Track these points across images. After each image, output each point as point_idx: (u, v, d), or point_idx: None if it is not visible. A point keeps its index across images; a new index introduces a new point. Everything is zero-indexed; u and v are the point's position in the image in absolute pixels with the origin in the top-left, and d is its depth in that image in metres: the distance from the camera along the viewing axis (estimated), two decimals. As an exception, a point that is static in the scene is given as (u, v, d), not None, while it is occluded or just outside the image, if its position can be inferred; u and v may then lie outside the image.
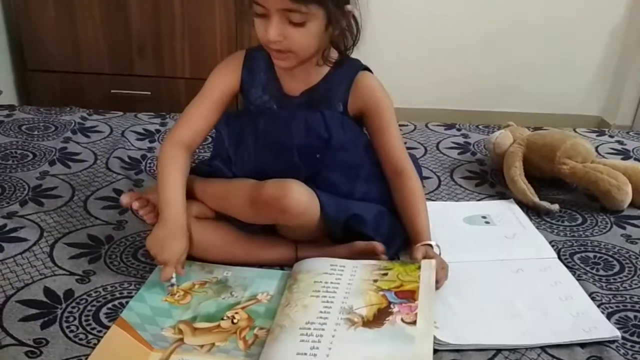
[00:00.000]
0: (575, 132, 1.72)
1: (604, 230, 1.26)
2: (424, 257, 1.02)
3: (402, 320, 0.88)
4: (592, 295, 1.03)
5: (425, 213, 1.11)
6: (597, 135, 1.74)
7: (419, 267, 0.99)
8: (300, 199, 1.00)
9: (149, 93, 2.33)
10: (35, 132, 1.58)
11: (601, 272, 1.11)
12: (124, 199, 1.09)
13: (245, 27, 2.18)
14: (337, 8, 1.01)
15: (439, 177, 1.46)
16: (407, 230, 1.10)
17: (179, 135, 1.12)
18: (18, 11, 2.25)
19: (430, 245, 1.05)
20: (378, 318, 0.89)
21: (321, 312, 0.90)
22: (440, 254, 1.06)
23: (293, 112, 1.10)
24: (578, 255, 1.16)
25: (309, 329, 0.87)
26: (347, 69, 1.12)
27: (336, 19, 1.02)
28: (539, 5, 2.61)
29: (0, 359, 0.84)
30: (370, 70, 1.15)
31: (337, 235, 1.08)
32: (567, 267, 1.11)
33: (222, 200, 1.07)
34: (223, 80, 1.14)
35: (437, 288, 0.99)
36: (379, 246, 1.05)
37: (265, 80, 1.13)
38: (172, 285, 1.00)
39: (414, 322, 0.87)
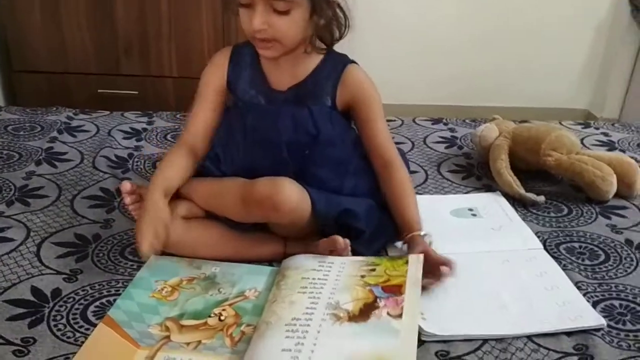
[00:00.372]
0: (561, 124, 1.73)
1: (590, 221, 1.27)
2: (423, 252, 1.02)
3: (388, 313, 0.88)
4: (577, 285, 1.04)
5: (415, 203, 1.12)
6: (582, 128, 1.76)
7: (407, 262, 1.00)
8: (291, 196, 1.00)
9: (136, 92, 2.33)
10: (21, 133, 1.57)
11: (587, 262, 1.12)
12: (127, 186, 1.08)
13: (232, 25, 2.18)
14: None
15: (426, 171, 1.47)
16: (397, 221, 1.11)
17: (182, 138, 1.15)
18: (3, 12, 2.23)
19: (421, 235, 1.06)
20: (364, 312, 0.89)
21: (307, 308, 0.90)
22: (431, 243, 1.06)
23: (280, 107, 1.10)
24: (564, 245, 1.17)
25: (295, 325, 0.87)
26: (335, 63, 1.12)
27: (320, 7, 1.02)
28: (526, 2, 2.63)
29: (-13, 359, 0.84)
30: (357, 65, 1.15)
31: (327, 231, 1.08)
32: (553, 257, 1.12)
33: (212, 200, 1.07)
34: (212, 79, 1.15)
35: (436, 284, 0.99)
36: (338, 239, 1.03)
37: (251, 76, 1.13)
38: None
39: (399, 316, 0.88)
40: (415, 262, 1.00)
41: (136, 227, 1.02)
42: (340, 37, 1.10)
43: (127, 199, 1.08)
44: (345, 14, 1.07)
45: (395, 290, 0.93)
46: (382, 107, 1.15)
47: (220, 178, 1.10)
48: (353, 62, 1.14)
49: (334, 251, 1.04)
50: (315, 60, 1.12)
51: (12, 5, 2.21)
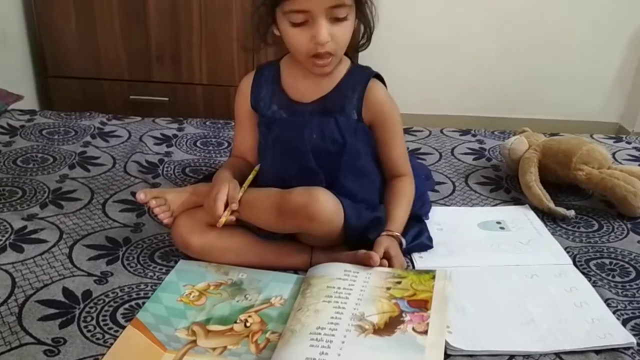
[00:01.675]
0: (592, 138, 1.71)
1: (620, 237, 1.24)
2: (385, 253, 1.03)
3: (414, 329, 0.88)
4: (607, 302, 1.02)
5: (406, 211, 1.13)
6: (614, 142, 1.73)
7: (434, 277, 0.99)
8: (327, 207, 1.01)
9: (167, 99, 2.37)
10: (56, 137, 1.62)
11: (617, 279, 1.10)
12: (140, 195, 1.10)
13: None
14: None
15: (453, 183, 1.46)
16: (387, 219, 1.11)
17: (233, 154, 1.25)
18: (40, 20, 2.30)
19: (395, 237, 1.08)
20: (389, 326, 0.89)
21: (332, 317, 0.91)
22: (403, 246, 1.08)
23: (305, 118, 1.11)
24: (594, 261, 1.15)
25: (319, 334, 0.87)
26: (359, 76, 1.12)
27: (363, 8, 1.05)
28: (556, 11, 2.60)
29: (20, 357, 0.86)
30: (381, 77, 1.15)
31: (352, 242, 1.09)
32: (583, 273, 1.11)
33: (246, 208, 1.07)
34: (240, 105, 1.19)
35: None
36: (374, 256, 1.03)
37: (271, 92, 1.15)
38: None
39: (425, 332, 0.88)
40: (443, 277, 0.99)
41: (205, 202, 1.06)
42: (368, 42, 1.12)
43: (152, 203, 1.10)
44: (372, 13, 1.09)
45: (421, 305, 0.93)
46: (401, 123, 1.16)
47: (254, 188, 1.11)
48: (377, 74, 1.15)
49: (366, 264, 1.04)
50: (340, 72, 1.12)
51: (48, 13, 2.27)
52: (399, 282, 0.99)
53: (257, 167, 1.16)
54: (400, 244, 1.09)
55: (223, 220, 1.04)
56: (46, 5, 2.26)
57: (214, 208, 1.03)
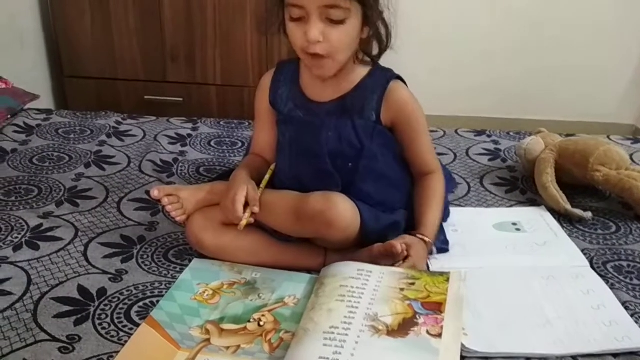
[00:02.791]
0: (609, 139, 1.69)
1: (639, 239, 1.23)
2: (404, 252, 1.02)
3: (428, 332, 0.87)
4: (625, 305, 1.01)
5: (437, 211, 1.11)
6: (632, 143, 1.71)
7: (448, 279, 0.99)
8: (345, 213, 1.01)
9: (181, 99, 2.38)
10: (72, 136, 1.63)
11: (635, 282, 1.08)
12: (155, 192, 1.10)
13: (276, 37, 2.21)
14: (375, 4, 1.01)
15: (468, 184, 1.45)
16: (415, 221, 1.10)
17: (251, 151, 1.23)
18: (56, 20, 2.32)
19: (425, 242, 1.06)
20: (403, 328, 0.88)
21: (345, 317, 0.90)
22: (432, 253, 1.07)
23: (323, 119, 1.10)
24: (611, 264, 1.14)
25: (333, 333, 0.87)
26: (380, 78, 1.11)
27: (372, 17, 1.01)
28: (570, 10, 2.58)
29: (35, 354, 0.87)
30: (402, 79, 1.13)
31: (367, 244, 1.08)
32: (600, 275, 1.09)
33: (264, 210, 1.06)
34: (260, 101, 1.18)
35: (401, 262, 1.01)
36: (397, 245, 1.02)
37: (289, 90, 1.14)
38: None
39: (439, 335, 0.87)
40: (457, 280, 0.98)
41: (222, 203, 1.06)
42: (386, 49, 1.08)
43: (165, 200, 1.10)
44: (388, 25, 1.06)
45: (435, 307, 0.92)
46: (425, 122, 1.14)
47: (272, 190, 1.10)
48: (398, 77, 1.13)
49: (386, 257, 1.03)
50: (360, 73, 1.10)
51: (64, 13, 2.29)
52: (413, 284, 0.98)
53: (272, 167, 1.16)
54: (430, 251, 1.07)
55: (244, 222, 1.03)
56: (62, 7, 2.28)
57: (232, 210, 1.03)
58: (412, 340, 0.86)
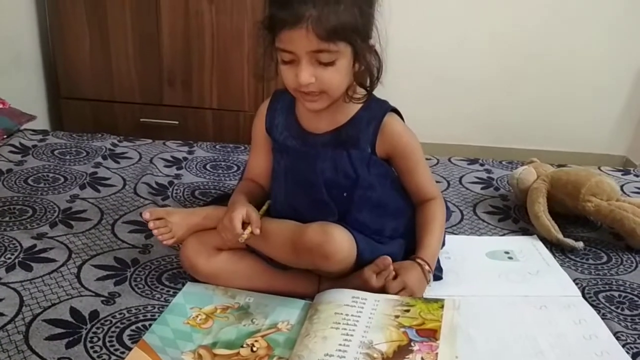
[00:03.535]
0: (600, 170, 1.71)
1: (630, 270, 1.24)
2: (397, 271, 1.03)
3: (422, 359, 0.87)
4: (616, 335, 1.02)
5: (438, 236, 1.12)
6: (622, 174, 1.73)
7: (442, 306, 0.99)
8: (343, 246, 1.01)
9: (177, 122, 2.39)
10: (67, 157, 1.63)
11: (626, 312, 1.09)
12: (146, 215, 1.11)
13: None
14: (363, 42, 1.01)
15: (461, 212, 1.46)
16: (416, 245, 1.11)
17: (245, 176, 1.23)
18: (54, 42, 2.34)
19: (422, 267, 1.06)
20: (398, 355, 0.88)
21: (340, 344, 0.90)
22: (429, 282, 1.07)
23: (318, 149, 1.11)
24: (603, 293, 1.15)
25: None
26: (375, 111, 1.11)
27: (363, 54, 1.01)
28: (565, 43, 2.63)
29: (25, 377, 0.86)
30: (398, 111, 1.14)
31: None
32: (592, 305, 1.10)
33: (261, 239, 1.06)
34: (257, 127, 1.19)
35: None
36: (387, 259, 1.03)
37: (286, 120, 1.15)
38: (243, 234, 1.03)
39: None
40: (451, 307, 0.99)
41: (219, 225, 1.06)
42: (378, 80, 1.08)
43: (151, 224, 1.11)
44: (380, 59, 1.05)
45: (430, 334, 0.92)
46: (421, 152, 1.15)
47: (269, 219, 1.10)
48: (393, 109, 1.13)
49: (379, 274, 1.04)
50: (355, 106, 1.10)
51: (63, 36, 2.31)
52: (408, 310, 0.98)
53: (268, 202, 1.16)
54: (428, 280, 1.07)
55: (245, 235, 1.03)
56: (61, 28, 2.30)
57: (231, 227, 1.03)
58: None
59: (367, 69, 1.04)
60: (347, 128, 1.10)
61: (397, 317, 0.96)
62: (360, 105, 1.10)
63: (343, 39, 0.97)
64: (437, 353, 0.88)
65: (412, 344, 0.90)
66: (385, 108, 1.12)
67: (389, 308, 0.99)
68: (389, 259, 1.04)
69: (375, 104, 1.11)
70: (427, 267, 1.07)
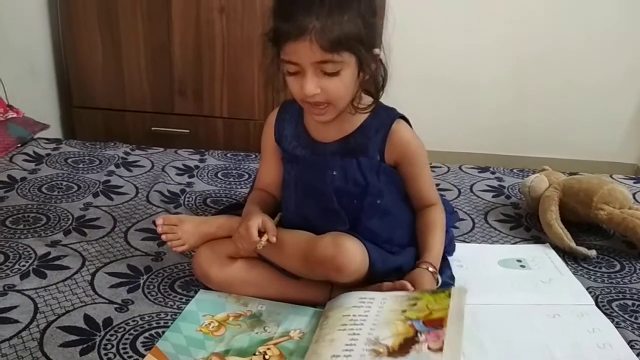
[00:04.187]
0: (612, 178, 1.70)
1: (643, 278, 1.23)
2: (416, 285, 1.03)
3: (429, 347, 0.86)
4: (631, 344, 1.01)
5: (440, 239, 1.13)
6: (634, 182, 1.72)
7: (449, 295, 0.98)
8: (355, 258, 1.01)
9: (188, 131, 2.40)
10: (81, 165, 1.65)
11: (640, 321, 1.09)
12: (159, 221, 1.13)
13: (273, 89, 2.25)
14: (367, 52, 1.01)
15: (472, 220, 1.46)
16: (419, 250, 1.12)
17: (257, 186, 1.24)
18: (67, 52, 2.36)
19: (431, 271, 1.07)
20: (403, 347, 0.87)
21: (347, 344, 0.90)
22: (438, 282, 1.07)
23: (327, 158, 1.11)
24: (616, 302, 1.14)
25: None
26: (383, 118, 1.11)
27: (367, 63, 1.01)
28: (576, 52, 2.62)
29: (40, 383, 0.87)
30: (406, 118, 1.14)
31: (375, 282, 1.08)
32: (605, 314, 1.09)
33: (274, 250, 1.06)
34: (266, 137, 1.20)
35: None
36: (408, 284, 1.03)
37: (294, 130, 1.15)
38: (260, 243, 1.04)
39: (440, 349, 0.86)
40: (458, 295, 0.97)
41: (235, 234, 1.07)
42: (383, 89, 1.08)
43: (159, 229, 1.13)
44: (385, 67, 1.06)
45: (436, 324, 0.91)
46: (426, 158, 1.16)
47: (281, 229, 1.10)
48: (401, 116, 1.13)
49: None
50: (363, 114, 1.10)
51: (75, 45, 2.34)
52: (415, 304, 0.97)
53: (280, 214, 1.17)
54: (437, 280, 1.08)
55: (262, 243, 1.04)
56: (74, 39, 2.33)
57: (247, 236, 1.04)
58: (413, 357, 0.85)
59: (372, 78, 1.05)
60: (356, 136, 1.11)
61: (404, 311, 0.95)
62: (367, 114, 1.10)
63: (347, 49, 0.97)
64: (443, 340, 0.87)
65: (418, 334, 0.89)
66: (393, 115, 1.12)
67: (396, 304, 0.98)
68: (410, 286, 1.03)
69: (383, 112, 1.12)
70: (434, 270, 1.08)
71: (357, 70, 1.01)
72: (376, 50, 1.03)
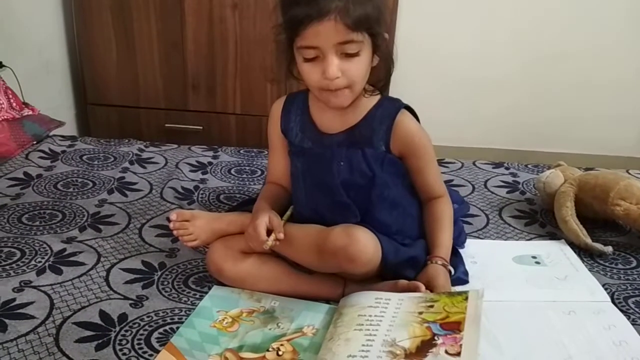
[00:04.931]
0: (629, 173, 1.68)
1: (661, 275, 1.22)
2: (428, 284, 1.03)
3: (446, 351, 0.86)
4: (648, 341, 1.00)
5: (449, 232, 1.13)
6: (651, 178, 1.70)
7: (466, 298, 0.98)
8: (367, 248, 1.01)
9: (201, 127, 2.42)
10: (96, 162, 1.66)
11: (658, 318, 1.07)
12: (172, 216, 1.15)
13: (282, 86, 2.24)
14: (381, 33, 1.03)
15: (487, 216, 1.45)
16: (428, 244, 1.12)
17: (268, 180, 1.24)
18: (81, 50, 2.39)
19: (442, 264, 1.07)
20: (421, 350, 0.87)
21: (363, 345, 0.90)
22: (452, 273, 1.08)
23: (333, 150, 1.11)
24: (633, 299, 1.13)
25: None
26: (388, 108, 1.11)
27: (380, 44, 1.03)
28: (588, 42, 2.59)
29: (56, 378, 0.87)
30: (411, 108, 1.14)
31: (388, 276, 1.08)
32: (622, 311, 1.08)
33: (285, 244, 1.07)
34: (272, 130, 1.20)
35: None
36: (421, 286, 1.03)
37: (300, 121, 1.15)
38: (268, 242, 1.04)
39: (458, 354, 0.86)
40: (475, 298, 0.97)
41: (246, 233, 1.07)
42: (390, 75, 1.10)
43: (171, 225, 1.14)
44: (391, 50, 1.07)
45: (454, 327, 0.91)
46: (432, 150, 1.15)
47: (293, 224, 1.10)
48: (406, 106, 1.13)
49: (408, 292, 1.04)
50: (368, 104, 1.11)
51: (90, 43, 2.36)
52: (432, 306, 0.97)
53: (292, 207, 1.17)
54: (450, 272, 1.08)
55: (270, 242, 1.04)
56: (88, 37, 2.35)
57: (255, 235, 1.04)
58: None
59: (384, 60, 1.06)
60: (361, 127, 1.11)
61: (420, 313, 0.96)
62: (373, 104, 1.11)
63: (368, 29, 0.99)
64: (461, 344, 0.87)
65: (435, 337, 0.89)
66: (398, 106, 1.12)
67: (412, 305, 0.98)
68: (423, 287, 1.03)
69: (387, 102, 1.12)
70: (445, 263, 1.08)
71: (371, 52, 1.03)
72: (386, 35, 1.06)
